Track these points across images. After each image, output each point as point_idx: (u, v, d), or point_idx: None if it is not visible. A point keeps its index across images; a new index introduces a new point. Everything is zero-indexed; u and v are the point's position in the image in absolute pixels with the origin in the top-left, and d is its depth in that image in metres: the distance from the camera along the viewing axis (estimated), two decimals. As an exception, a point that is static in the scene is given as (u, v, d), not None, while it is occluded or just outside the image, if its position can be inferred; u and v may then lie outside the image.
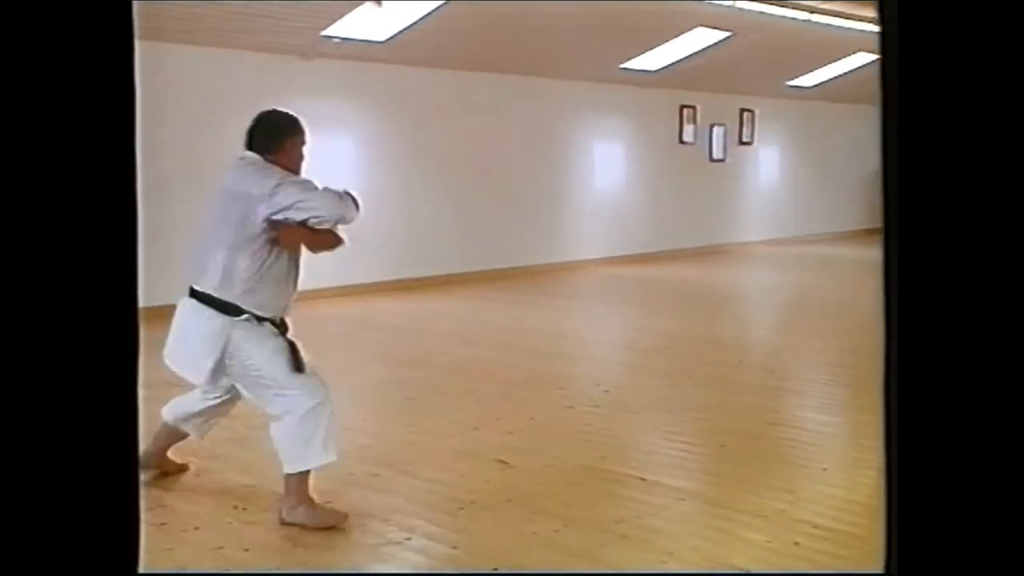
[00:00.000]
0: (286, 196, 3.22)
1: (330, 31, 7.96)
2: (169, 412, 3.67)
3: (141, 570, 1.12)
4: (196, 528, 3.29)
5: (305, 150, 3.48)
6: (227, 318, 3.24)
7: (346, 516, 3.36)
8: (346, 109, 8.84)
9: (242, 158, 3.39)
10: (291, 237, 3.31)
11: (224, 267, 3.22)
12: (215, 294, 3.24)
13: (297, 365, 3.32)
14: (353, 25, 7.97)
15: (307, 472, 3.32)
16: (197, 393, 3.61)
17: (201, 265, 3.28)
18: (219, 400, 3.59)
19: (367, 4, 7.62)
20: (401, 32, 8.22)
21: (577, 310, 8.89)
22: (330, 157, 8.75)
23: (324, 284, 8.74)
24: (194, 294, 3.30)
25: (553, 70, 10.15)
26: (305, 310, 7.71)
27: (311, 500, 3.32)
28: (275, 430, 3.32)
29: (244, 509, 3.46)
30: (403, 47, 8.47)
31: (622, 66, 10.56)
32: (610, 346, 7.19)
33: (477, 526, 3.38)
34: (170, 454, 3.78)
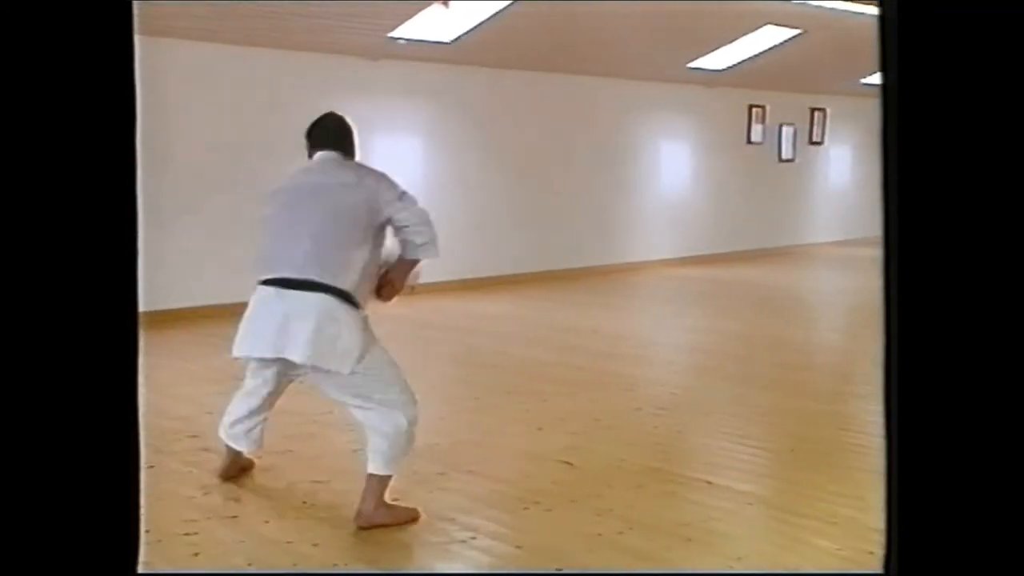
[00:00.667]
0: (410, 214, 3.39)
1: (396, 32, 8.03)
2: (222, 431, 3.67)
3: (141, 570, 1.12)
4: (266, 522, 3.34)
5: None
6: (360, 311, 3.28)
7: (419, 514, 3.37)
8: (412, 110, 8.91)
9: (334, 157, 3.46)
10: (401, 273, 3.51)
11: (343, 263, 3.22)
12: (344, 288, 3.20)
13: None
14: (419, 26, 8.03)
15: (390, 477, 3.33)
16: (240, 394, 3.62)
17: (330, 260, 3.22)
18: (265, 396, 3.58)
19: (434, 5, 7.67)
20: (467, 33, 8.25)
21: (642, 311, 8.82)
22: (396, 158, 8.83)
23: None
24: (316, 286, 3.19)
25: (619, 70, 10.09)
26: (370, 309, 7.76)
27: (387, 503, 3.33)
28: (377, 432, 3.29)
29: (312, 505, 3.50)
30: (469, 48, 8.51)
31: (689, 65, 10.45)
32: (676, 348, 7.11)
33: (541, 526, 3.37)
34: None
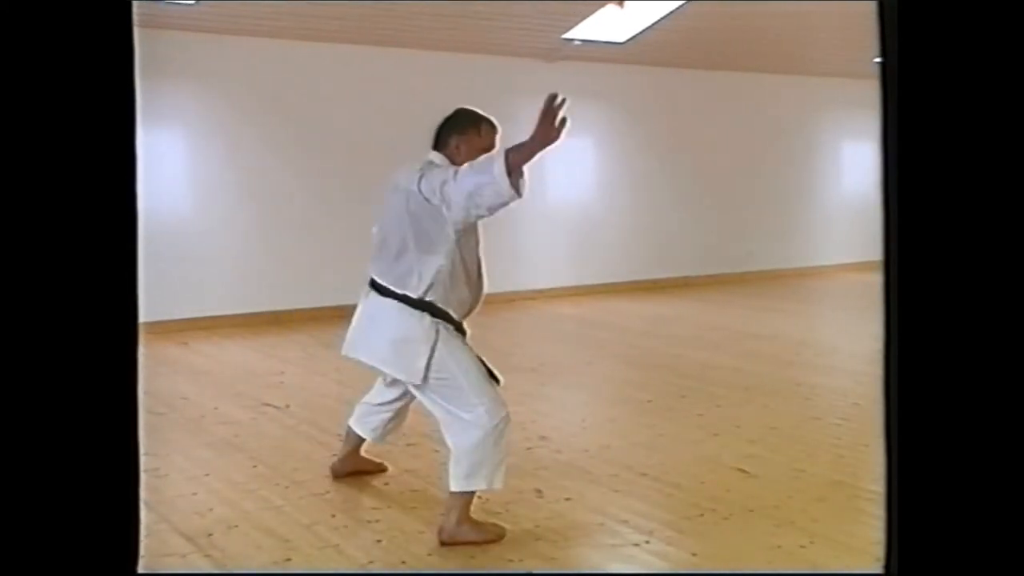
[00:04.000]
0: (455, 186, 3.04)
1: (570, 34, 8.06)
2: (355, 422, 3.72)
3: (141, 570, 1.11)
4: (442, 514, 3.41)
5: (485, 149, 3.21)
6: (433, 319, 3.16)
7: (506, 531, 3.22)
8: (586, 111, 8.91)
9: (429, 158, 3.27)
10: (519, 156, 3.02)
11: (418, 268, 3.14)
12: (413, 295, 3.15)
13: (491, 375, 3.21)
14: (593, 28, 8.03)
15: (473, 492, 3.19)
16: (374, 399, 3.65)
17: (400, 267, 3.18)
18: (397, 405, 3.62)
19: (609, 5, 7.65)
20: (641, 33, 8.18)
21: (823, 317, 8.47)
22: (571, 158, 8.87)
23: (563, 283, 8.88)
24: (389, 292, 3.20)
25: (799, 66, 9.73)
26: (544, 308, 7.77)
27: (472, 519, 3.19)
28: (455, 447, 3.17)
29: (487, 500, 3.55)
30: (642, 48, 8.43)
31: (876, 60, 9.96)
32: (860, 357, 6.78)
33: (718, 534, 3.28)
34: (365, 453, 3.84)
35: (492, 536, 3.18)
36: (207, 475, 3.86)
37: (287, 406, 4.94)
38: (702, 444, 4.28)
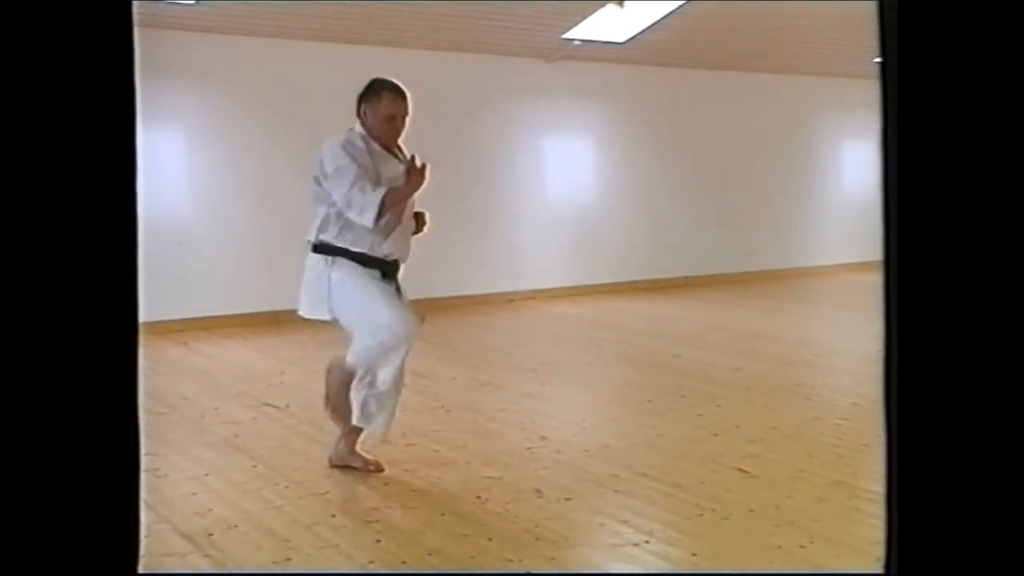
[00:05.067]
0: (338, 196, 3.60)
1: (570, 34, 8.06)
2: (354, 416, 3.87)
3: (141, 569, 1.11)
4: (442, 514, 3.41)
5: (387, 116, 3.68)
6: (325, 257, 3.67)
7: (379, 468, 3.75)
8: (586, 111, 8.92)
9: (351, 128, 3.73)
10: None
11: (311, 217, 3.69)
12: (311, 239, 3.70)
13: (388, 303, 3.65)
14: (593, 28, 8.03)
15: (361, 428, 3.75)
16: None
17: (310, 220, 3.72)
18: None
19: (609, 5, 7.65)
20: (641, 33, 8.18)
21: (823, 317, 8.47)
22: (571, 158, 8.87)
23: (562, 283, 8.87)
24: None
25: (800, 66, 9.73)
26: (544, 308, 7.78)
27: (359, 452, 3.79)
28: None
29: (487, 500, 3.55)
30: (643, 48, 8.43)
31: (877, 60, 9.96)
32: (860, 357, 6.77)
33: (718, 534, 3.28)
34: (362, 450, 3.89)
35: (373, 468, 3.75)
36: (207, 475, 3.86)
37: (287, 406, 4.94)
38: (702, 444, 4.27)
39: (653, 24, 8.03)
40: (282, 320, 7.47)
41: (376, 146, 3.69)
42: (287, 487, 3.70)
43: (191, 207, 7.37)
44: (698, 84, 9.42)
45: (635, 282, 9.12)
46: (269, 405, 4.96)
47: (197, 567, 2.99)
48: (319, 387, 4.01)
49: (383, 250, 3.70)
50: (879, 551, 3.21)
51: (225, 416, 4.78)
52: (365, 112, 3.69)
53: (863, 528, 3.30)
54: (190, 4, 6.62)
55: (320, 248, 3.69)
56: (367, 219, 3.53)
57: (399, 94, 3.68)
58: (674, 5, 7.78)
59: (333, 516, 3.42)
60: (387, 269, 3.73)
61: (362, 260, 3.66)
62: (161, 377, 5.57)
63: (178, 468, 3.94)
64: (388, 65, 7.91)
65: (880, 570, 1.07)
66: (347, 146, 3.62)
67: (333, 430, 3.95)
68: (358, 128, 3.69)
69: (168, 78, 6.98)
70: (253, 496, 3.61)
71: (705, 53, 8.97)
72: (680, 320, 7.72)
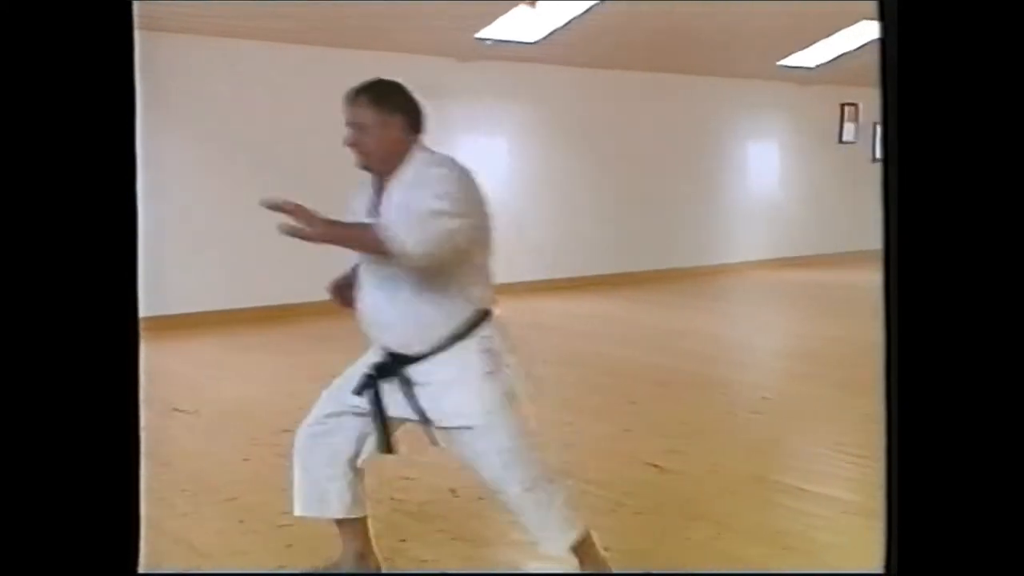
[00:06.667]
0: None
1: (483, 33, 8.06)
2: None
3: (141, 569, 1.11)
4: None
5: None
6: None
7: None
8: (499, 110, 8.93)
9: None
10: None
11: None
12: None
13: None
14: (505, 27, 8.04)
15: None
16: None
17: None
18: None
19: (520, 5, 7.67)
20: (553, 33, 8.23)
21: (734, 314, 8.66)
22: (486, 158, 8.86)
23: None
24: None
25: (709, 67, 9.93)
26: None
27: None
28: None
29: (402, 500, 3.51)
30: (557, 48, 8.48)
31: (780, 63, 10.23)
32: (770, 351, 6.96)
33: (631, 529, 3.31)
34: None
35: None
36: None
37: (196, 411, 4.82)
38: (618, 440, 4.32)
39: (565, 24, 8.09)
40: (192, 323, 7.28)
41: None
42: (195, 493, 3.60)
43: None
44: (610, 84, 9.52)
45: (551, 280, 9.17)
46: (178, 410, 4.82)
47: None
48: (231, 391, 3.91)
49: None
50: (787, 540, 3.28)
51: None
52: None
53: (772, 519, 3.39)
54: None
55: None
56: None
57: (347, 99, 2.84)
58: (586, 5, 7.85)
59: (242, 522, 3.34)
60: None
61: None
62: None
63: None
64: (292, 63, 7.82)
65: (880, 570, 1.08)
66: None
67: (245, 433, 3.86)
68: None
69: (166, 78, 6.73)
70: (160, 503, 3.50)
71: (616, 53, 9.07)
72: (594, 318, 7.80)
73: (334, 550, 3.08)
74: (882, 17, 1.01)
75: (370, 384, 2.63)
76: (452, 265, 2.51)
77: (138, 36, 1.04)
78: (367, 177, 2.71)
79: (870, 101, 11.64)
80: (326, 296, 2.89)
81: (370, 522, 2.86)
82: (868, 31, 9.68)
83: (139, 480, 1.09)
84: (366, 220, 2.51)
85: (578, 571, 2.98)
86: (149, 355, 4.30)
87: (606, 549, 3.12)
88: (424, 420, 2.60)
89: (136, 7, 1.01)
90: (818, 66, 10.46)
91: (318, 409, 2.74)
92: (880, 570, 1.06)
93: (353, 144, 2.62)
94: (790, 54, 10.08)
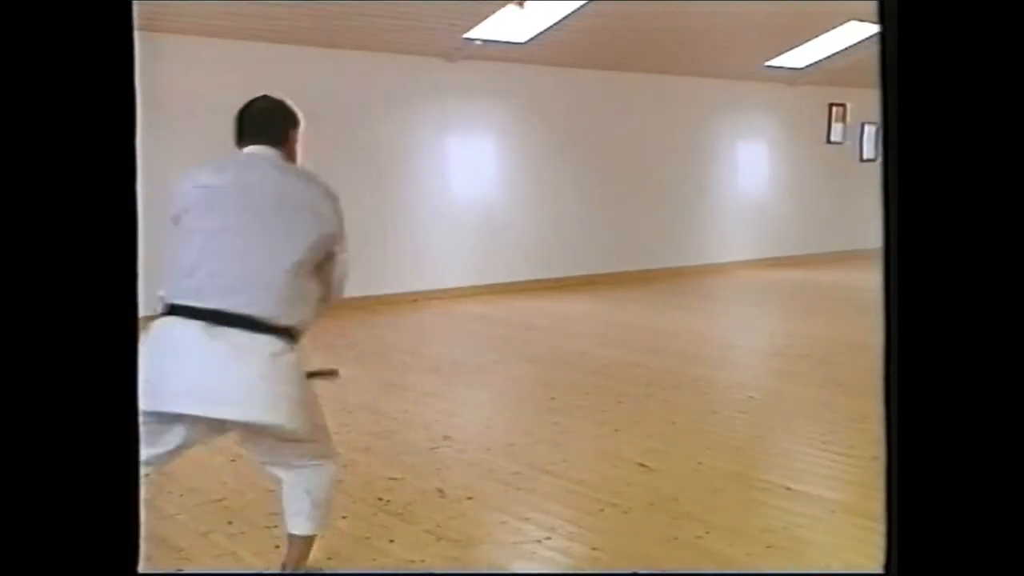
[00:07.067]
0: (347, 257, 2.70)
1: (472, 33, 8.07)
2: None
3: (141, 570, 1.12)
4: (343, 517, 3.37)
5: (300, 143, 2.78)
6: (284, 344, 2.52)
7: None
8: (488, 110, 8.93)
9: (271, 156, 2.69)
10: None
11: (300, 296, 2.56)
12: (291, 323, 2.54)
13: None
14: (494, 27, 8.05)
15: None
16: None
17: (253, 284, 2.51)
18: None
19: (509, 6, 7.68)
20: (542, 33, 8.24)
21: (721, 313, 8.68)
22: (474, 157, 8.88)
23: (467, 283, 8.87)
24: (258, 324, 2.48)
25: (697, 68, 9.96)
26: (449, 308, 7.76)
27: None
28: (312, 491, 2.76)
29: (389, 501, 3.52)
30: (544, 48, 8.50)
31: (768, 63, 10.26)
32: (756, 351, 6.98)
33: (618, 528, 3.33)
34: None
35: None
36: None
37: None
38: (604, 440, 4.33)
39: (554, 24, 8.11)
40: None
41: None
42: (182, 495, 3.60)
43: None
44: (599, 84, 9.54)
45: (540, 281, 9.19)
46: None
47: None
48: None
49: None
50: (771, 538, 3.30)
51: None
52: (293, 138, 2.74)
53: (757, 517, 3.40)
54: None
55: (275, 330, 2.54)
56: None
57: None
58: (575, 6, 7.87)
59: (230, 523, 3.34)
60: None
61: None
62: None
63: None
64: (285, 64, 7.81)
65: (880, 570, 1.08)
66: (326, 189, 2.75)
67: (232, 435, 3.85)
68: (280, 159, 2.69)
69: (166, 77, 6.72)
70: (146, 505, 3.49)
71: (605, 54, 9.10)
72: (584, 318, 7.81)
73: (321, 551, 3.09)
74: (882, 16, 1.01)
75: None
76: None
77: (138, 36, 1.05)
78: None
79: (858, 101, 11.71)
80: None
81: (356, 522, 2.86)
82: (856, 32, 9.73)
83: (139, 480, 1.10)
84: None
85: (570, 571, 3.00)
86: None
87: (594, 548, 3.15)
88: None
89: (136, 7, 1.01)
90: (806, 67, 10.50)
91: None
92: (880, 570, 1.08)
93: None
94: (778, 55, 10.11)
